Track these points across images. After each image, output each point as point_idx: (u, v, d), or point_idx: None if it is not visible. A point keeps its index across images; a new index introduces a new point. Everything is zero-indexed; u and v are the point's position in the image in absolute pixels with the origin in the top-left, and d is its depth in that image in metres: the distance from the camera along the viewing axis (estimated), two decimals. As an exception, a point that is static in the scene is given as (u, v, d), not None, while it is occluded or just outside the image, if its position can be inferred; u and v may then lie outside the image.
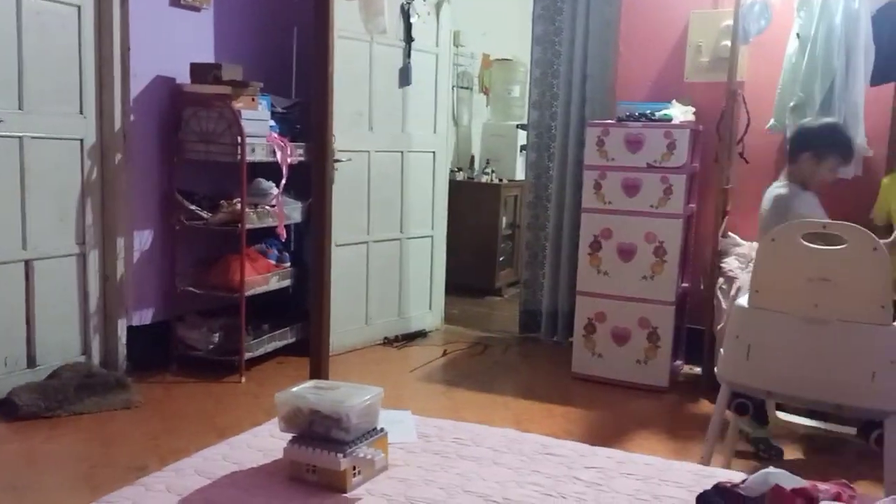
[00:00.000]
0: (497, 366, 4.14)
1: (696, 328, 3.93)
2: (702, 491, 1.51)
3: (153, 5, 3.65)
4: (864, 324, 2.20)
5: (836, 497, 1.46)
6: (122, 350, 3.62)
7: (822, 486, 1.50)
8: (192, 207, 3.70)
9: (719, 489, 1.49)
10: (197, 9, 3.85)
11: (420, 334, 4.65)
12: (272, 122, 3.85)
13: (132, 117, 3.58)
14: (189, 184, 3.81)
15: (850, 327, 2.21)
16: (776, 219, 2.73)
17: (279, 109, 3.98)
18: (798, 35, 3.54)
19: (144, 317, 3.75)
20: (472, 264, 5.71)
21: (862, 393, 2.21)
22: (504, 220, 5.87)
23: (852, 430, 2.83)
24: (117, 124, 3.53)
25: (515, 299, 4.97)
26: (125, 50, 3.52)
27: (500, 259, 5.85)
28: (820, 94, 3.39)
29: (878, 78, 3.45)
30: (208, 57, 3.92)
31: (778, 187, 2.95)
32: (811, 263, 2.26)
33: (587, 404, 3.55)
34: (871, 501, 1.50)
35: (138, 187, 3.65)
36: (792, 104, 3.51)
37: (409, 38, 4.36)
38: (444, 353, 4.32)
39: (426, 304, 4.77)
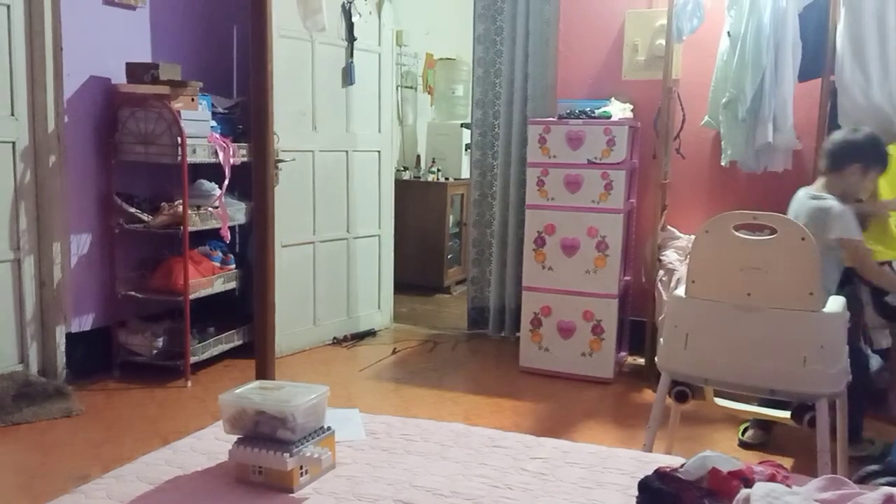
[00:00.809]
0: (446, 363, 4.16)
1: (638, 320, 4.02)
2: (643, 476, 1.55)
3: (86, 3, 3.55)
4: (794, 311, 2.29)
5: (771, 478, 1.52)
6: (62, 358, 3.52)
7: (757, 467, 1.55)
8: (132, 210, 3.63)
9: (659, 474, 1.54)
10: (132, 7, 3.76)
11: (369, 333, 4.64)
12: (213, 123, 3.79)
13: (66, 119, 3.48)
14: (128, 186, 3.73)
15: (782, 314, 2.30)
16: (815, 228, 2.63)
17: (220, 109, 3.92)
18: (729, 33, 3.65)
19: (84, 323, 3.66)
20: (420, 263, 5.73)
21: (794, 378, 2.29)
22: (451, 218, 5.90)
23: (786, 414, 2.93)
24: (51, 126, 3.43)
25: (464, 296, 5.00)
26: (57, 50, 3.42)
27: (448, 257, 5.87)
28: (750, 91, 3.50)
29: (805, 74, 3.58)
30: (145, 56, 3.84)
31: (825, 199, 2.80)
32: (743, 253, 2.34)
33: (535, 397, 3.61)
34: (804, 481, 1.56)
35: (74, 190, 3.55)
36: (724, 101, 3.62)
37: (351, 38, 4.35)
38: (394, 352, 4.33)
39: (375, 304, 4.76)
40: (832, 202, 2.77)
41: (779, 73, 3.50)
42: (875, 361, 3.20)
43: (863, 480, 2.32)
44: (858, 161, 2.80)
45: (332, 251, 4.44)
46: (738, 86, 3.55)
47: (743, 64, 3.53)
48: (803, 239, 2.28)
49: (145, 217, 3.63)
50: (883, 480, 2.20)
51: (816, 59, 3.51)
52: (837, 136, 2.92)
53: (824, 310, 2.32)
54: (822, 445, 2.31)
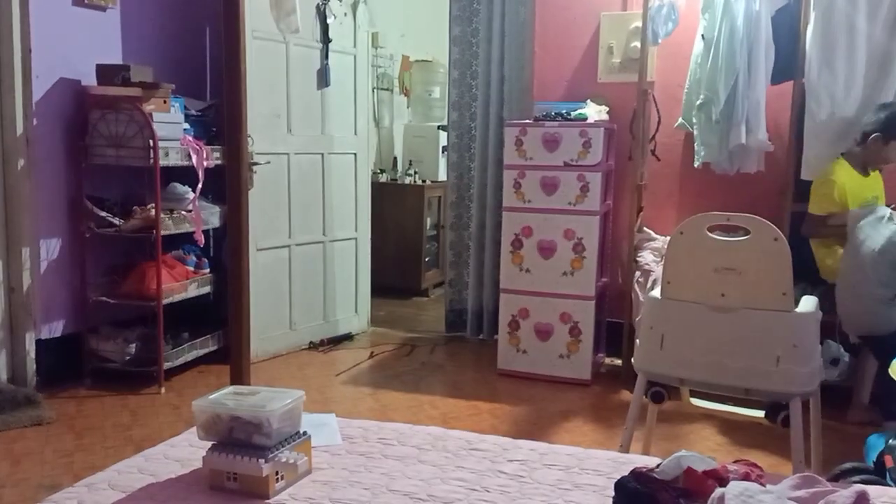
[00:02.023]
0: (424, 366, 4.15)
1: (615, 321, 4.04)
2: (620, 477, 1.56)
3: (55, 5, 3.50)
4: (767, 311, 2.31)
5: (745, 476, 1.53)
6: (32, 365, 3.46)
7: (731, 466, 1.56)
8: (103, 214, 3.57)
9: (636, 474, 1.54)
10: (102, 8, 3.71)
11: (346, 337, 4.61)
12: (186, 125, 3.75)
13: (35, 121, 3.43)
14: (99, 190, 3.67)
15: (755, 314, 2.32)
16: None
17: (194, 112, 3.89)
18: (703, 36, 3.69)
19: (54, 329, 3.60)
20: (397, 266, 5.71)
21: (768, 377, 2.31)
22: (428, 220, 5.89)
23: (761, 413, 2.96)
24: (19, 129, 3.37)
25: (441, 299, 5.00)
26: (26, 51, 3.37)
27: (426, 260, 5.86)
28: (724, 93, 3.54)
29: (778, 76, 3.62)
30: (116, 58, 3.78)
31: None
32: (717, 254, 2.36)
33: (513, 400, 3.61)
34: (778, 479, 1.57)
35: (44, 194, 3.49)
36: (698, 103, 3.66)
37: (325, 39, 4.33)
38: (371, 356, 4.31)
39: (352, 307, 4.74)
40: None
41: (752, 76, 3.54)
42: None
43: (836, 478, 2.35)
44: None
45: (309, 254, 4.41)
46: (711, 88, 3.59)
47: (716, 66, 3.56)
48: (776, 240, 2.30)
49: (117, 221, 3.58)
50: (858, 478, 2.23)
51: (789, 61, 3.55)
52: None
53: (797, 309, 2.35)
54: (796, 444, 2.33)
